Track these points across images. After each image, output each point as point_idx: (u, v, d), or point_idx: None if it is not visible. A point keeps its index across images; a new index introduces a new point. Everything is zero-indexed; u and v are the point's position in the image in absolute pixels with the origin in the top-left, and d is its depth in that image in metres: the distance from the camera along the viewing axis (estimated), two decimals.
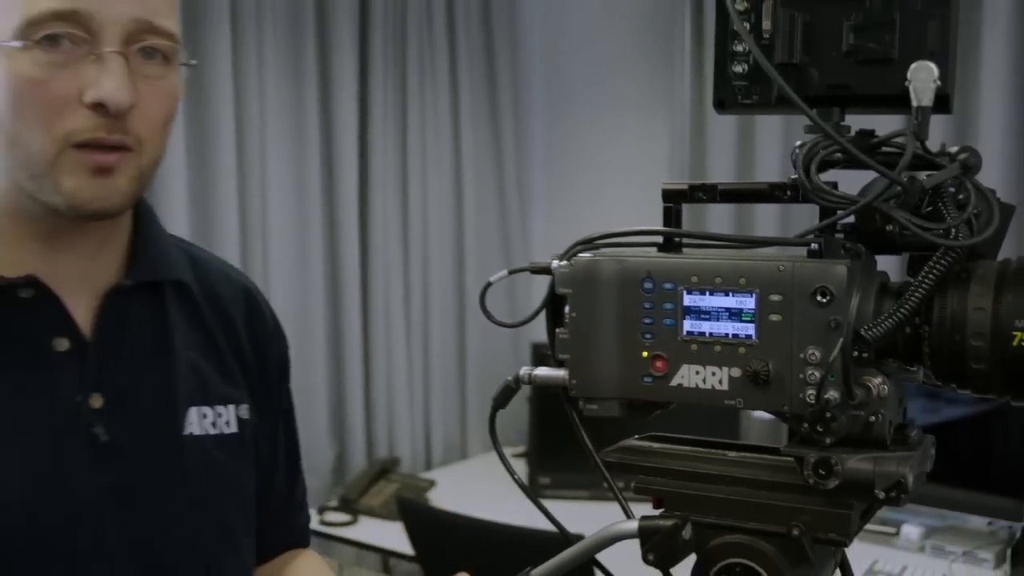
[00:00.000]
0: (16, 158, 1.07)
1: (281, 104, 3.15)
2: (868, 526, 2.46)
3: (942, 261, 0.99)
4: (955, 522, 2.74)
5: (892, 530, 2.71)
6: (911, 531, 2.69)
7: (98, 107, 1.05)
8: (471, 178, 3.60)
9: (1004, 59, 2.75)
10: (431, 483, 3.22)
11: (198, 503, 1.20)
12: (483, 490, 3.15)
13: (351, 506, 3.10)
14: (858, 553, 1.17)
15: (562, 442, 2.77)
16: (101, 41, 1.05)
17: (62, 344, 1.12)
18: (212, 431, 1.22)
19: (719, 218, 3.07)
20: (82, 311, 1.14)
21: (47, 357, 1.11)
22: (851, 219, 1.03)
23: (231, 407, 1.25)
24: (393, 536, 2.89)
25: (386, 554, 3.09)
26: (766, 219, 3.07)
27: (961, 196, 1.01)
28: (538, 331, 3.37)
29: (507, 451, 3.72)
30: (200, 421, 1.21)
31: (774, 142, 3.16)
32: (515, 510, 2.91)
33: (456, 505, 2.76)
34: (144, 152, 1.10)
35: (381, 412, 3.43)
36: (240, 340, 1.31)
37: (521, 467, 3.35)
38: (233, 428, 1.25)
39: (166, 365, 1.20)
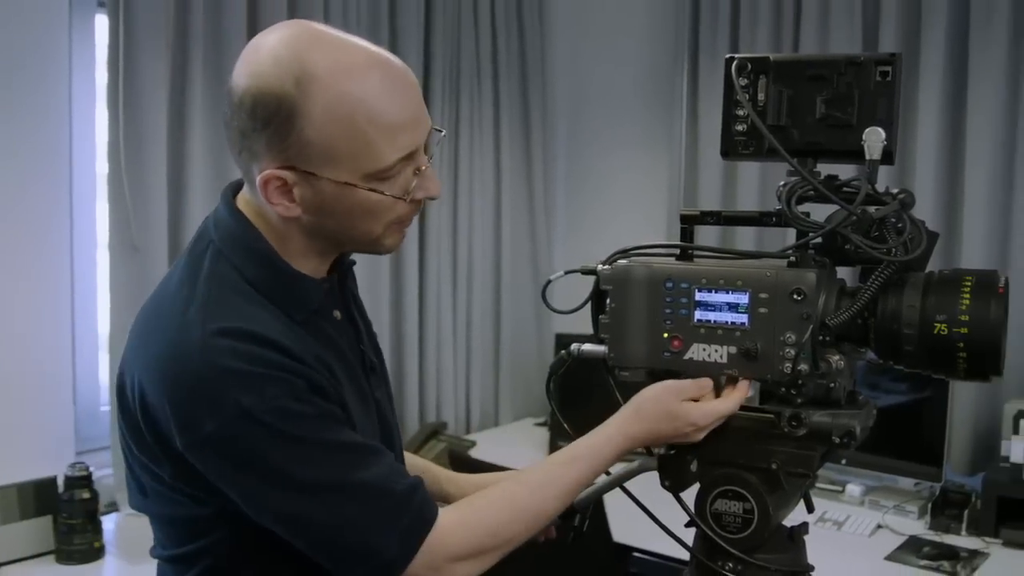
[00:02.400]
0: (351, 236, 1.17)
1: None
2: (819, 484, 2.57)
3: (885, 272, 1.11)
4: (888, 483, 2.79)
5: (839, 488, 2.76)
6: (854, 489, 2.74)
7: (421, 200, 1.17)
8: (507, 200, 3.62)
9: (934, 123, 2.84)
10: (473, 443, 3.29)
11: (390, 396, 1.34)
12: (513, 449, 3.25)
13: None
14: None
15: (578, 414, 2.86)
16: (419, 159, 1.14)
17: (337, 314, 1.25)
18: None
19: (709, 237, 3.15)
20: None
21: (335, 324, 1.23)
22: (819, 239, 1.16)
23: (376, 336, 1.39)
24: None
25: None
26: (743, 238, 3.15)
27: (900, 225, 1.13)
28: (561, 323, 3.48)
29: (531, 421, 3.83)
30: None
31: (751, 179, 3.23)
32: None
33: (494, 460, 2.85)
34: None
35: (431, 385, 3.46)
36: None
37: (544, 433, 3.43)
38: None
39: (364, 317, 1.34)
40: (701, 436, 1.19)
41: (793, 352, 1.13)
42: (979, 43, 2.76)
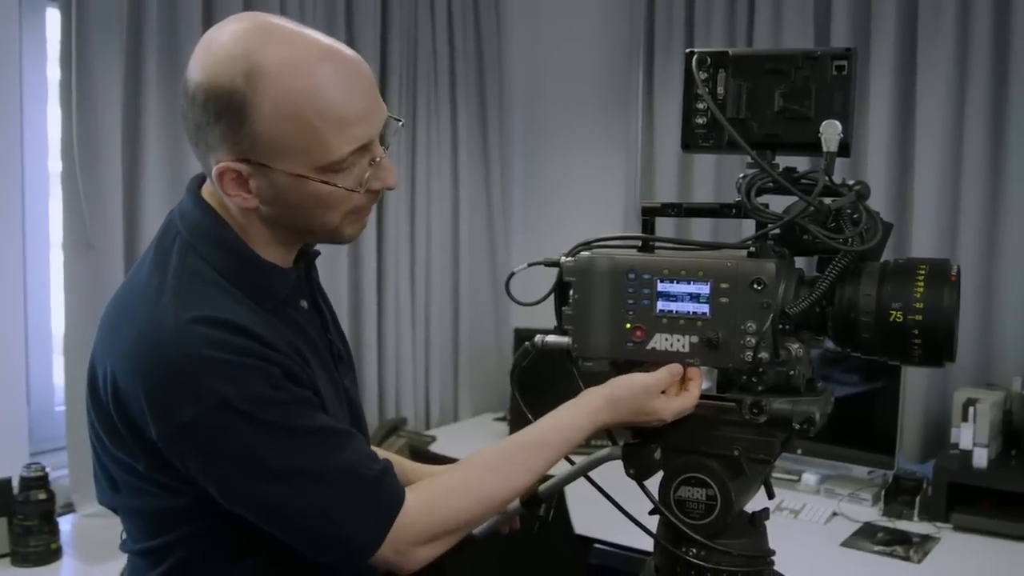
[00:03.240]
0: (308, 227, 1.17)
1: None
2: (775, 473, 2.61)
3: (842, 261, 1.13)
4: (843, 471, 2.83)
5: (795, 477, 2.80)
6: (809, 478, 2.78)
7: (379, 190, 1.17)
8: (465, 197, 3.63)
9: (885, 115, 2.90)
10: (432, 438, 3.29)
11: (356, 384, 1.35)
12: (473, 444, 3.25)
13: None
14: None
15: (538, 406, 2.85)
16: (373, 148, 1.15)
17: (304, 304, 1.26)
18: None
19: (665, 229, 3.17)
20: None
21: (302, 313, 1.24)
22: (777, 230, 1.18)
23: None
24: None
25: None
26: (699, 231, 3.17)
27: (855, 215, 1.15)
28: (519, 318, 3.48)
29: (490, 415, 3.82)
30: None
31: (707, 174, 3.27)
32: None
33: (454, 455, 2.85)
34: None
35: (390, 381, 3.45)
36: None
37: (503, 428, 3.44)
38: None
39: (330, 308, 1.34)
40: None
41: (754, 340, 1.14)
42: (927, 34, 2.82)
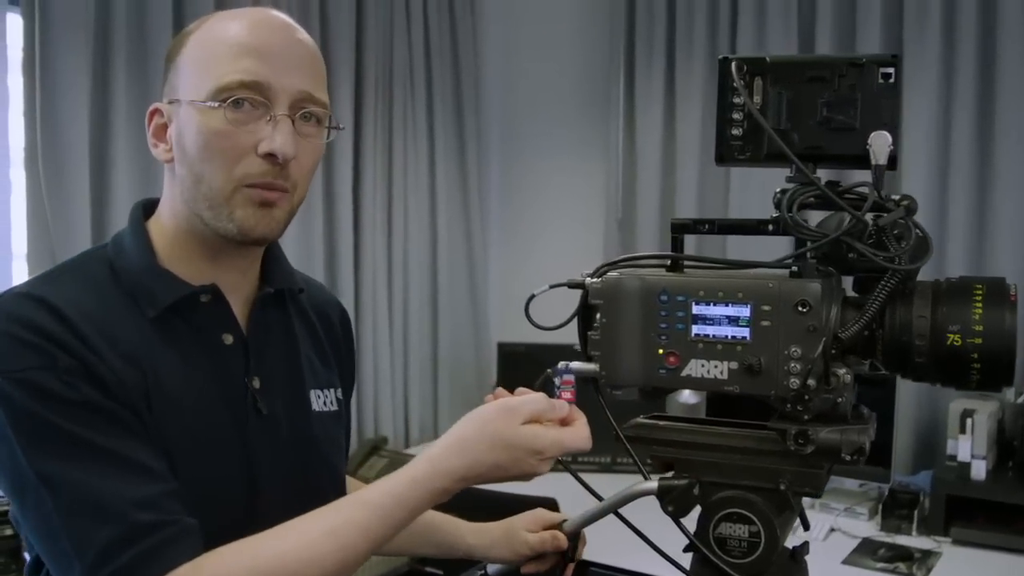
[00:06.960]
0: (200, 191, 1.09)
1: None
2: None
3: (891, 281, 1.06)
4: (835, 484, 2.78)
5: None
6: None
7: (269, 157, 1.08)
8: (442, 207, 3.55)
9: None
10: (414, 457, 3.20)
11: (321, 461, 1.23)
12: None
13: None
14: None
15: None
16: (275, 106, 1.09)
17: (228, 339, 1.15)
18: (325, 408, 1.25)
19: (648, 245, 3.12)
20: (237, 313, 1.17)
21: (218, 348, 1.13)
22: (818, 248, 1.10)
23: (332, 390, 1.28)
24: None
25: None
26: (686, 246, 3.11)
27: (896, 231, 1.08)
28: (501, 333, 3.39)
29: None
30: (317, 400, 1.24)
31: (690, 185, 3.21)
32: None
33: None
34: (296, 193, 1.14)
35: (368, 400, 3.37)
36: (337, 339, 1.35)
37: None
38: (334, 407, 1.27)
39: (294, 356, 1.23)
40: (547, 468, 1.09)
41: (799, 367, 1.07)
42: (913, 39, 2.79)
